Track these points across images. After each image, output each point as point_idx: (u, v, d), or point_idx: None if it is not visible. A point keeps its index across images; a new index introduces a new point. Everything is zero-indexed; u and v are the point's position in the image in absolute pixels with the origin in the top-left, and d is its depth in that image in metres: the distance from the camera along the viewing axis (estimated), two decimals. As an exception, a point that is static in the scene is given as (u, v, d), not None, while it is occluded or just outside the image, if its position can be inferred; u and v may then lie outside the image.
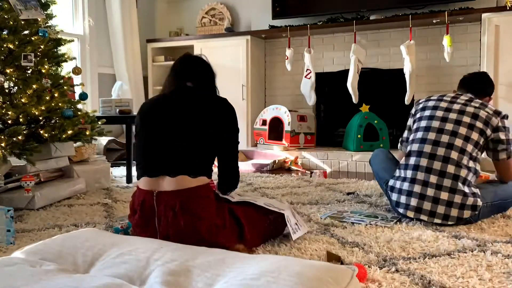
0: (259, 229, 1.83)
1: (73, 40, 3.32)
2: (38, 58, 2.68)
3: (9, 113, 2.49)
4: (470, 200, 2.12)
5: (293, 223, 1.87)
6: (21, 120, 2.54)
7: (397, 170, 2.32)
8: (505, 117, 2.25)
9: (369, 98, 4.51)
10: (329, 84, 4.89)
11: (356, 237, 1.97)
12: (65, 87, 2.86)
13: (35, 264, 1.32)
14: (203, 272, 1.20)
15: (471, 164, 2.17)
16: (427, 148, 2.20)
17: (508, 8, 3.70)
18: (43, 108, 2.63)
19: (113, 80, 4.96)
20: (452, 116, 2.23)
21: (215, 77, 1.93)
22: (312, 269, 1.15)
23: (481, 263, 1.63)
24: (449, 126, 2.21)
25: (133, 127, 2.66)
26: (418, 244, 1.86)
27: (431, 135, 2.21)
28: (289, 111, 4.50)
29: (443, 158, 2.15)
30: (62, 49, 2.98)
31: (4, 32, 2.60)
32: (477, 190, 2.18)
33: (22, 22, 2.64)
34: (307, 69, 4.54)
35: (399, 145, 2.54)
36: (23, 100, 2.56)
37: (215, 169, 1.79)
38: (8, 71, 2.55)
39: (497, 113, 2.24)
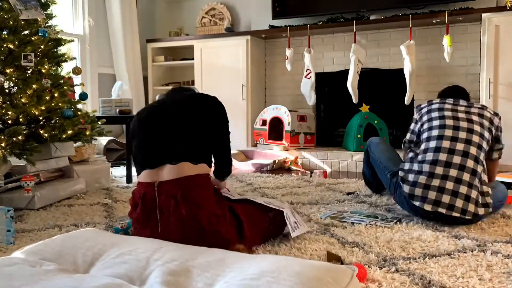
0: (259, 227, 1.84)
1: (73, 40, 3.32)
2: (38, 58, 2.69)
3: (9, 113, 2.49)
4: (482, 198, 2.15)
5: (292, 221, 1.88)
6: (21, 120, 2.54)
7: (407, 164, 2.30)
8: (500, 117, 2.39)
9: (369, 98, 4.51)
10: (329, 84, 4.89)
11: (356, 237, 1.97)
12: (65, 87, 2.86)
13: (35, 264, 1.32)
14: (203, 272, 1.20)
15: (485, 161, 2.24)
16: (446, 144, 2.22)
17: (508, 8, 3.70)
18: (43, 108, 2.63)
19: (113, 80, 4.97)
20: (462, 115, 2.30)
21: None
22: (312, 269, 1.15)
23: (481, 263, 1.63)
24: (463, 124, 2.26)
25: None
26: (418, 244, 1.86)
27: (448, 132, 2.25)
28: (289, 111, 4.50)
29: (462, 152, 2.19)
30: (62, 49, 2.98)
31: (4, 32, 2.60)
32: (488, 189, 2.21)
33: (22, 22, 2.64)
34: (307, 69, 4.54)
35: (402, 146, 2.58)
36: (23, 100, 2.56)
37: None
38: (8, 71, 2.55)
39: (495, 113, 2.37)
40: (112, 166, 3.74)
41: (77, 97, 3.07)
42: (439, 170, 2.17)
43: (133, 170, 3.58)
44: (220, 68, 4.94)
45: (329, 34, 4.74)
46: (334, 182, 3.41)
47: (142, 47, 5.28)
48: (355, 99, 4.32)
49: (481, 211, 2.14)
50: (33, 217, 2.40)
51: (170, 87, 5.35)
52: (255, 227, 1.80)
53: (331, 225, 2.18)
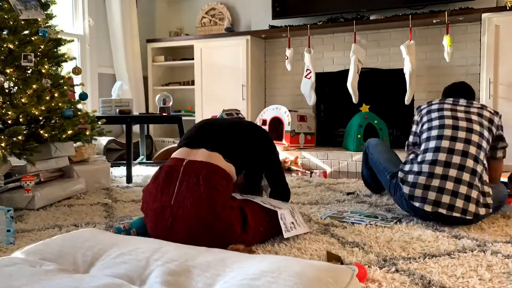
0: (262, 220, 1.87)
1: (73, 40, 3.32)
2: (38, 58, 2.68)
3: (9, 113, 2.49)
4: (483, 198, 2.15)
5: (288, 221, 1.89)
6: (21, 120, 2.54)
7: (407, 165, 2.30)
8: (501, 116, 2.38)
9: (369, 98, 4.51)
10: (329, 84, 4.89)
11: (356, 237, 1.97)
12: (65, 87, 2.86)
13: (35, 264, 1.32)
14: (203, 272, 1.20)
15: (485, 161, 2.23)
16: (445, 143, 2.22)
17: (508, 8, 3.70)
18: (43, 108, 2.63)
19: (113, 80, 4.97)
20: (461, 115, 2.29)
21: None
22: (312, 269, 1.15)
23: (481, 263, 1.63)
24: (462, 124, 2.25)
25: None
26: (418, 244, 1.86)
27: (447, 131, 2.24)
28: (289, 111, 4.50)
29: (462, 152, 2.18)
30: (62, 49, 2.98)
31: (4, 32, 2.60)
32: (489, 189, 2.20)
33: (22, 22, 2.64)
34: (307, 69, 4.54)
35: (406, 148, 2.55)
36: (23, 100, 2.56)
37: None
38: (8, 71, 2.55)
39: (495, 112, 2.36)
40: (112, 166, 3.74)
41: (77, 97, 3.07)
42: (438, 170, 2.17)
43: (133, 170, 3.58)
44: (220, 68, 4.94)
45: (329, 34, 4.74)
46: (334, 182, 3.41)
47: (142, 47, 5.28)
48: (355, 99, 4.32)
49: (482, 211, 2.13)
50: (33, 217, 2.40)
51: (170, 87, 5.36)
52: (257, 220, 1.85)
53: (331, 225, 2.18)
